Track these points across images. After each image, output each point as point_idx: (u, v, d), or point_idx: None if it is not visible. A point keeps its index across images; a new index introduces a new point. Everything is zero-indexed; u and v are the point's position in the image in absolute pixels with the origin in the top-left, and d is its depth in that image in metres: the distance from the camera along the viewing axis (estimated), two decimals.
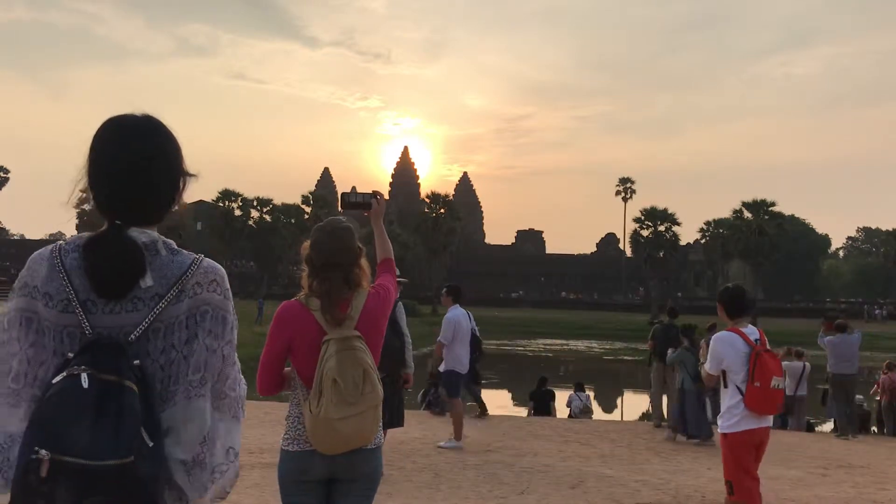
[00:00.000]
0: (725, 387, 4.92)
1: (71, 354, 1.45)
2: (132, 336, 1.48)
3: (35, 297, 1.52)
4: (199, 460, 1.51)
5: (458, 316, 8.82)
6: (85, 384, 1.37)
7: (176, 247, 1.56)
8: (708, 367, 5.02)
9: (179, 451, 1.50)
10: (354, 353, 2.64)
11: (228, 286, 1.58)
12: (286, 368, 2.82)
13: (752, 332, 4.94)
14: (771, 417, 5.06)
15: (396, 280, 6.78)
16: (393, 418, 6.91)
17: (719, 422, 5.05)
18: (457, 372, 8.75)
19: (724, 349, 4.88)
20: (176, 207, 1.60)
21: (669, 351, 10.86)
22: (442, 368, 9.09)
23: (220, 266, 1.59)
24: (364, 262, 2.85)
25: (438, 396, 12.27)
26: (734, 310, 5.03)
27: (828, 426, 14.82)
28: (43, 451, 1.31)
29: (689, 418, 10.25)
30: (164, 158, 1.57)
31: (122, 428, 1.35)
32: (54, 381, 1.40)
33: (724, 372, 4.91)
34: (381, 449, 2.83)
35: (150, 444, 1.39)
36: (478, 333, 9.66)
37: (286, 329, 2.75)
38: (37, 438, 1.33)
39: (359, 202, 3.17)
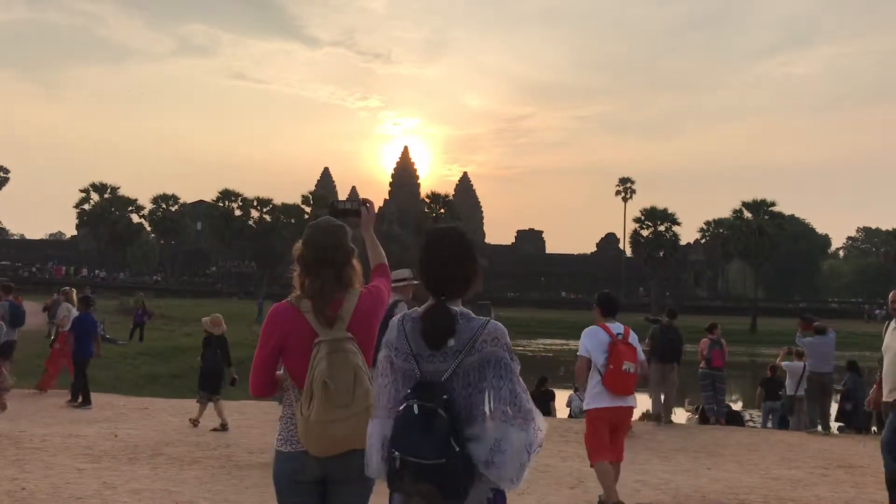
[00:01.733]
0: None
1: (409, 390, 2.22)
2: (443, 378, 2.22)
3: (390, 349, 2.33)
4: (495, 460, 2.13)
5: None
6: (415, 411, 2.14)
7: (471, 315, 2.30)
8: (579, 353, 6.11)
9: (482, 454, 2.14)
10: (346, 355, 2.63)
11: (508, 340, 2.28)
12: (278, 371, 2.81)
13: (616, 327, 6.06)
14: (631, 398, 6.01)
15: (407, 283, 6.77)
16: None
17: (584, 400, 6.19)
18: None
19: (589, 339, 6.04)
20: (473, 287, 2.40)
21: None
22: None
23: (500, 326, 2.29)
24: (356, 262, 2.84)
25: None
26: (608, 311, 6.17)
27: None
28: (396, 452, 2.14)
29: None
30: (465, 257, 2.36)
31: (436, 440, 2.09)
32: (400, 408, 2.20)
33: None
34: None
35: (457, 450, 2.10)
36: None
37: (277, 331, 2.74)
38: (393, 444, 2.16)
39: (348, 209, 3.17)
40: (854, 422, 13.56)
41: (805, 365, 13.73)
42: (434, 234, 2.41)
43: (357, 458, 2.66)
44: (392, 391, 2.29)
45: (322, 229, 2.82)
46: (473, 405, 2.19)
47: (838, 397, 14.65)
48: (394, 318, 2.37)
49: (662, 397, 12.89)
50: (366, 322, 2.78)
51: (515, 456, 2.13)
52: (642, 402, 15.34)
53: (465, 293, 2.36)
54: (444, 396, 2.15)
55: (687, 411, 15.67)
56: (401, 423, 2.15)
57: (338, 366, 2.60)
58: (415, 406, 2.14)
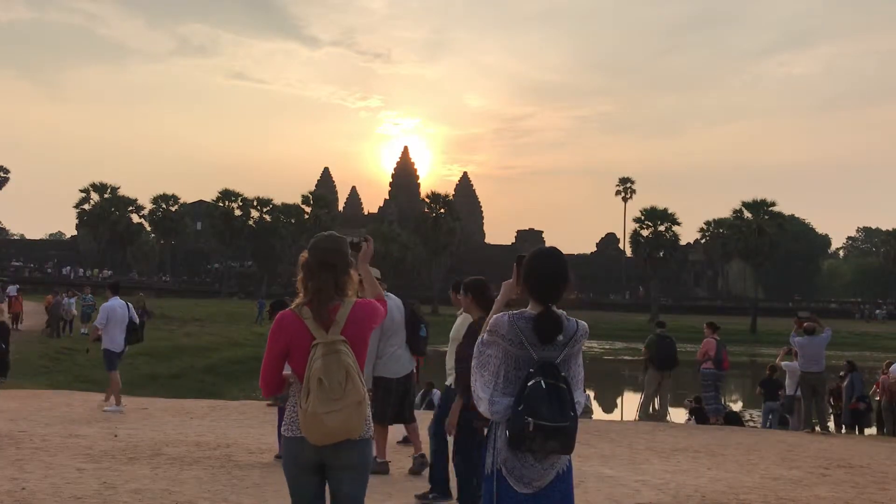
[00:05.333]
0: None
1: (531, 370, 2.82)
2: (556, 361, 2.88)
3: (502, 340, 2.88)
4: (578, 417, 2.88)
5: (113, 305, 10.94)
6: (543, 386, 2.77)
7: (567, 317, 2.96)
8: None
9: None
10: (339, 356, 2.96)
11: (588, 331, 3.05)
12: (285, 372, 3.13)
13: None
14: None
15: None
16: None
17: None
18: (111, 350, 10.90)
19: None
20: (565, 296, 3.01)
21: None
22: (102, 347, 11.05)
23: (585, 324, 3.00)
24: (354, 272, 3.18)
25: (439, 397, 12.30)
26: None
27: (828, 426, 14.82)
28: (529, 418, 2.72)
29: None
30: (567, 272, 2.98)
31: (564, 407, 2.77)
32: (528, 383, 2.78)
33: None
34: (368, 441, 3.11)
35: (572, 414, 2.80)
36: (136, 320, 11.29)
37: (283, 336, 3.09)
38: (525, 411, 2.74)
39: (354, 242, 3.41)
40: (866, 422, 13.60)
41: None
42: (542, 255, 3.02)
43: (350, 448, 3.01)
44: (504, 370, 2.90)
45: (326, 237, 3.19)
46: (574, 380, 2.94)
47: (834, 396, 14.69)
48: (503, 316, 2.92)
49: (657, 401, 13.84)
50: (359, 328, 3.09)
51: (582, 405, 3.00)
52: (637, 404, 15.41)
53: (560, 299, 3.02)
54: (563, 374, 2.85)
55: (688, 401, 15.71)
56: (533, 396, 2.75)
57: (332, 365, 2.92)
58: (542, 382, 2.77)
